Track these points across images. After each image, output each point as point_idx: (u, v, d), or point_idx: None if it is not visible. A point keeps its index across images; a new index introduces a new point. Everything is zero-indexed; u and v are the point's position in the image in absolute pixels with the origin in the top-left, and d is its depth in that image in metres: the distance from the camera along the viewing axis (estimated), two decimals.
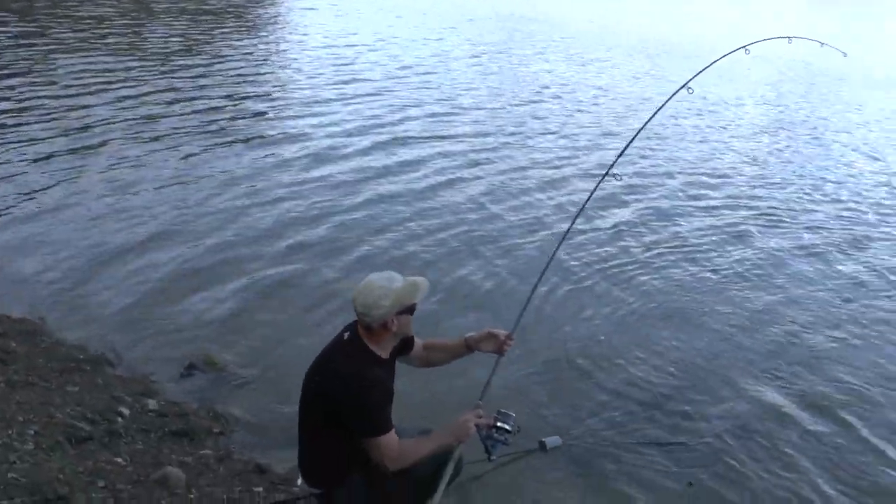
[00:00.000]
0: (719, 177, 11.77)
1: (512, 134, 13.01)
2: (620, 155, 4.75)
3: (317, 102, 13.58)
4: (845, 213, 10.61)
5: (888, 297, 7.94)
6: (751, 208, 10.36)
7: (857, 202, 11.22)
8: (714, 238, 9.01)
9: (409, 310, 3.33)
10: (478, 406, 3.55)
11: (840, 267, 8.57)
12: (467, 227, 8.52)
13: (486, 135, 12.73)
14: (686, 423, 5.35)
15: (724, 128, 15.51)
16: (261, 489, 4.10)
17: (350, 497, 3.42)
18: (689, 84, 5.06)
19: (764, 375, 6.09)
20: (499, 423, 3.51)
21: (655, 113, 5.10)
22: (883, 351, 6.72)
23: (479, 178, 10.36)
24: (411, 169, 10.41)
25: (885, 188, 12.26)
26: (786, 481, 4.86)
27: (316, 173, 9.77)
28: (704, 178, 11.54)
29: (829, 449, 5.25)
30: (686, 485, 4.69)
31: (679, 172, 11.72)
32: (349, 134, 11.68)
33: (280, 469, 4.38)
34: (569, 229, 4.32)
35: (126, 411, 4.57)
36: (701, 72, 5.28)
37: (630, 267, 7.88)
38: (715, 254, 8.54)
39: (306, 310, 6.41)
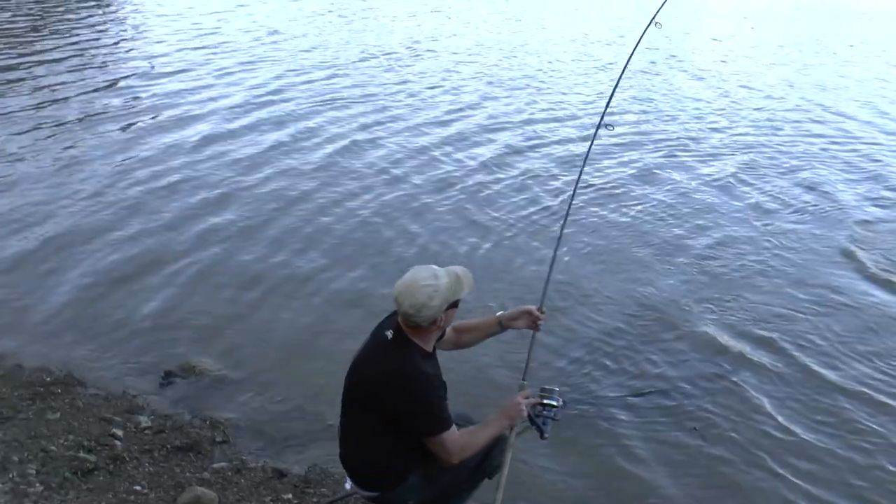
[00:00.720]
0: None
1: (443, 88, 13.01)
2: (608, 104, 4.59)
3: (189, 70, 13.16)
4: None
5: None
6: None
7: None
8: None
9: (455, 304, 3.26)
10: (523, 386, 3.53)
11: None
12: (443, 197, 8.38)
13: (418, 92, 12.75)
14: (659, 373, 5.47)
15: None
16: (290, 496, 3.97)
17: (407, 495, 3.37)
18: (656, 19, 4.80)
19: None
20: (545, 401, 3.50)
21: (631, 55, 4.81)
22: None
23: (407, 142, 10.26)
24: (327, 139, 10.20)
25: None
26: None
27: (209, 151, 9.38)
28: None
29: (786, 384, 5.44)
30: (691, 430, 4.87)
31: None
32: (235, 108, 11.25)
33: (298, 470, 4.26)
34: (574, 191, 4.27)
35: (120, 433, 4.28)
36: (664, 4, 4.91)
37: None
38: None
39: (264, 299, 6.18)
